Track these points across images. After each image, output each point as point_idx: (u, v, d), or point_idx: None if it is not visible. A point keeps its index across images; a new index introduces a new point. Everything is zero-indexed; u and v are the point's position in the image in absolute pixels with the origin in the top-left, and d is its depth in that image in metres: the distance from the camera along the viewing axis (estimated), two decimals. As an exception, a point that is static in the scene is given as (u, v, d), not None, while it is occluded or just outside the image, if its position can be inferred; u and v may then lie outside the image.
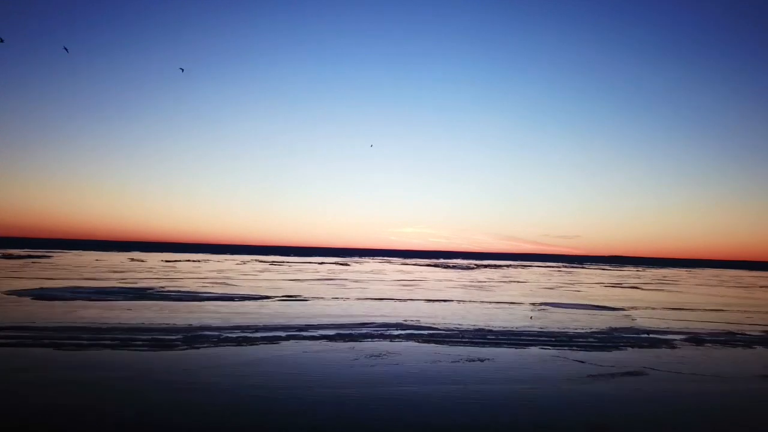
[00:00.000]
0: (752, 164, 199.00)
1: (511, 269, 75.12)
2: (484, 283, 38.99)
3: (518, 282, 42.63)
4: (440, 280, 40.91)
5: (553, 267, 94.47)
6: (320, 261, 78.58)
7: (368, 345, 14.04)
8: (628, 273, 74.95)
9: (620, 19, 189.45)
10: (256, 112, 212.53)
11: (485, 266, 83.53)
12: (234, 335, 14.78)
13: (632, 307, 26.17)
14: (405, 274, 47.81)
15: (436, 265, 76.72)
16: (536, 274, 60.55)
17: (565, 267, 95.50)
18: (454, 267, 73.41)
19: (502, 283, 39.90)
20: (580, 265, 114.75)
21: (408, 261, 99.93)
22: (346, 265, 67.09)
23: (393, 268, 61.48)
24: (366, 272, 49.43)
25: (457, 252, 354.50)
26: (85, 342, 13.30)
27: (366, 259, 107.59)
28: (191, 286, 29.88)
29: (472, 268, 70.44)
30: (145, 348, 12.88)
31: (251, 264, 60.41)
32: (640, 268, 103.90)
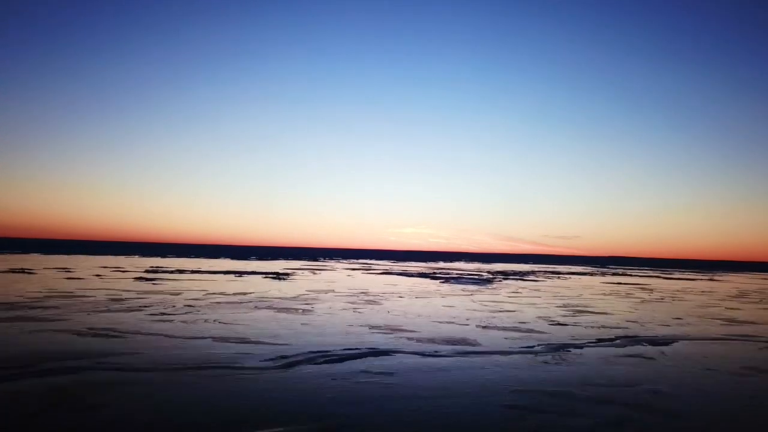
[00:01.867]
0: (755, 164, 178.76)
1: (544, 279, 47.73)
2: (552, 346, 11.85)
3: (623, 329, 15.47)
4: (439, 355, 13.85)
5: (590, 273, 66.99)
6: (256, 269, 50.70)
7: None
8: (707, 283, 47.49)
9: (623, 18, 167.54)
10: (254, 111, 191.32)
11: (501, 274, 55.85)
12: None
13: None
14: (362, 312, 20.79)
15: (434, 275, 49.16)
16: (604, 293, 33.33)
17: (608, 274, 68.02)
18: (458, 278, 45.84)
19: (589, 336, 12.80)
20: (609, 269, 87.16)
21: (398, 266, 72.12)
22: (281, 278, 39.68)
23: (355, 286, 34.08)
24: (286, 302, 22.37)
25: (457, 252, 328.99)
26: None
27: (343, 263, 79.92)
28: None
29: (488, 281, 42.88)
30: None
31: (114, 280, 33.10)
32: (698, 274, 76.49)
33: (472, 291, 31.03)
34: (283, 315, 17.46)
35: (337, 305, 20.97)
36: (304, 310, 18.93)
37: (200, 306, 19.11)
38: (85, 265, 47.57)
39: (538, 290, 34.03)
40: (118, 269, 41.98)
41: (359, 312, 19.00)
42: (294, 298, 23.11)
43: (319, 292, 26.92)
